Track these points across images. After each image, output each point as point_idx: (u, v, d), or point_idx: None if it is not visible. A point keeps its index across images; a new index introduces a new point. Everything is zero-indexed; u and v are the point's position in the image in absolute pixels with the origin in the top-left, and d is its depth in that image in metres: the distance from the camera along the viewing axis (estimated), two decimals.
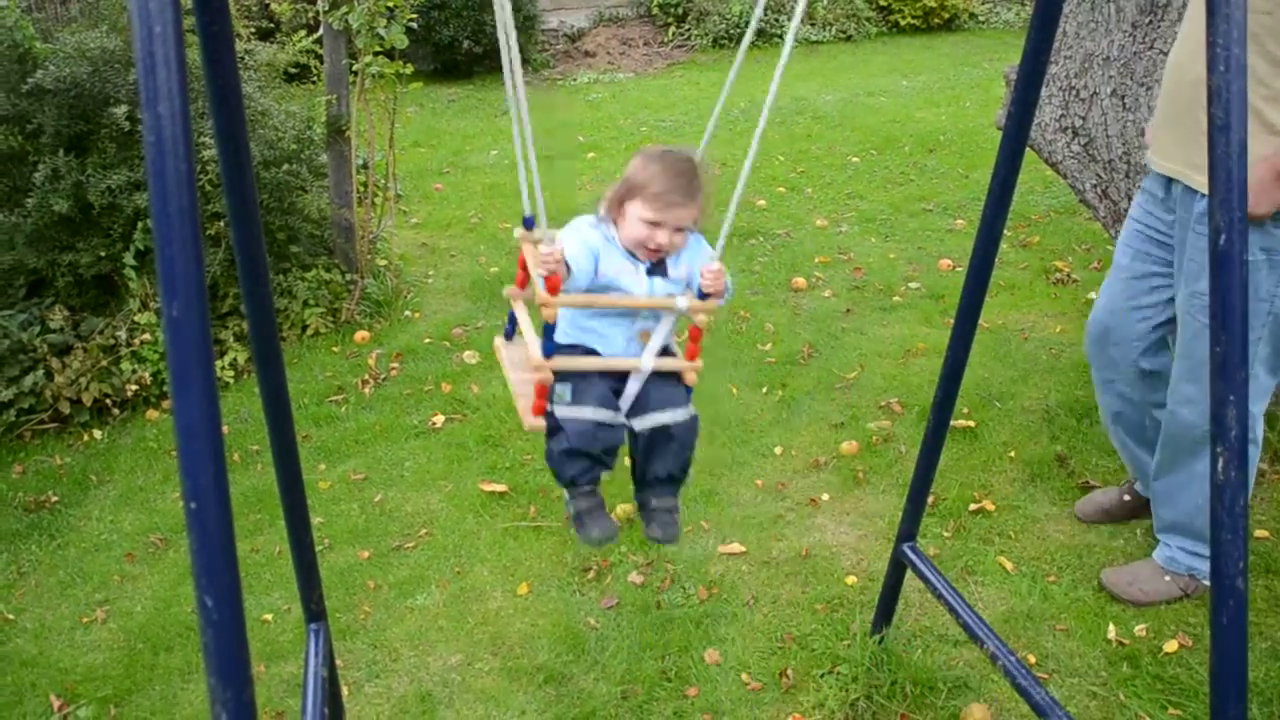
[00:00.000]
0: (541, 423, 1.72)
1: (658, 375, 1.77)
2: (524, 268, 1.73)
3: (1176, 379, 2.51)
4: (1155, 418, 2.68)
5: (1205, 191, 2.09)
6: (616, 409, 1.76)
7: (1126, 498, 2.95)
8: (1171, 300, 2.54)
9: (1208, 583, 2.35)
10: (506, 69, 1.41)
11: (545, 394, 1.69)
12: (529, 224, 1.61)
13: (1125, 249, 2.63)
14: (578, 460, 1.74)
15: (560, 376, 1.71)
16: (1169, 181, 2.45)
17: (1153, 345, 2.63)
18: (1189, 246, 2.39)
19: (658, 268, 1.76)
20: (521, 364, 1.82)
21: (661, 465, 1.82)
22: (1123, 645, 2.50)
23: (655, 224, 1.69)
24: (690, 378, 1.79)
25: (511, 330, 1.89)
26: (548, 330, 1.63)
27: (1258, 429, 2.58)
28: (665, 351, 1.80)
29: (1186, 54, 2.34)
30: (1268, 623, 2.52)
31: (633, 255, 1.75)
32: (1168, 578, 2.64)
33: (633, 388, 1.77)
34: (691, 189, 1.70)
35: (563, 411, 1.72)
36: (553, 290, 1.57)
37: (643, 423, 1.78)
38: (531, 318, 1.73)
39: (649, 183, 1.68)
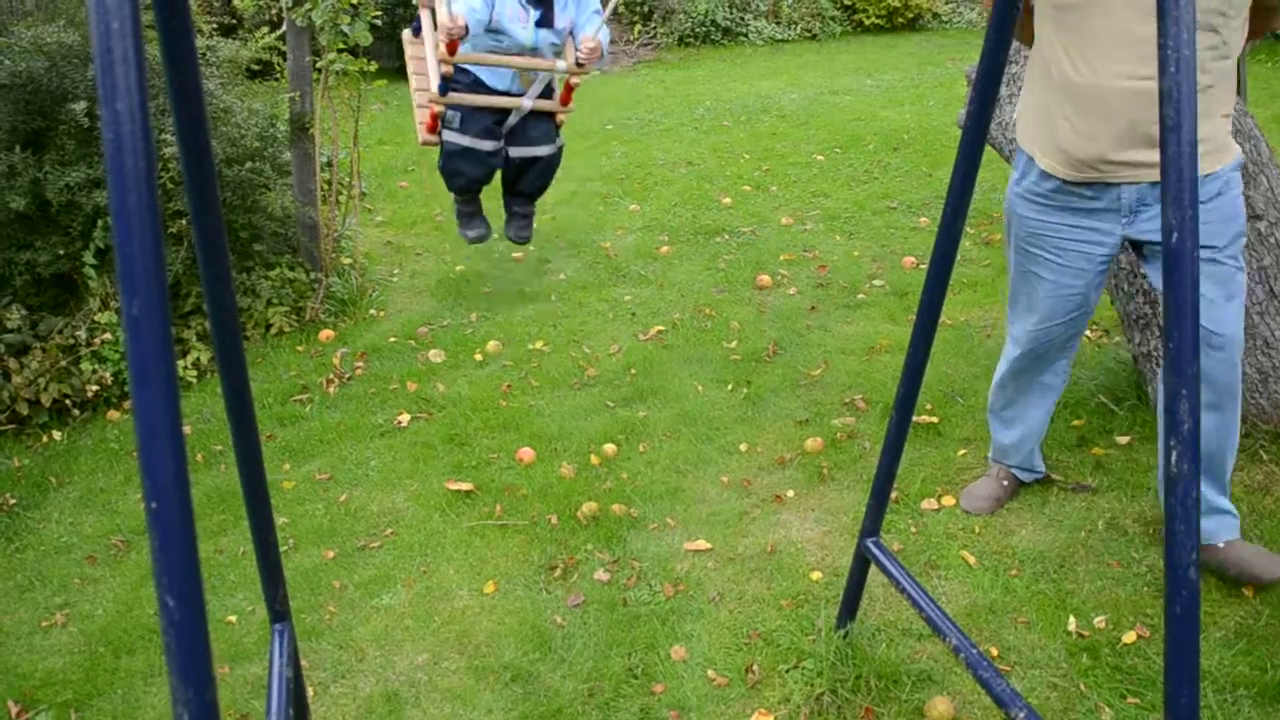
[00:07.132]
0: (434, 139, 2.15)
1: (535, 113, 2.18)
2: None
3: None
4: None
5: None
6: (497, 139, 2.22)
7: (1005, 482, 3.07)
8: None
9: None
10: None
11: (437, 118, 2.07)
12: None
13: (1050, 265, 2.64)
14: (462, 178, 2.17)
15: (452, 104, 2.13)
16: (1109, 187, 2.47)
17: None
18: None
19: (545, 19, 2.09)
20: (422, 73, 2.29)
21: (527, 184, 2.25)
22: (1083, 637, 2.54)
23: None
24: (561, 119, 2.18)
25: (418, 28, 2.32)
26: (445, 80, 1.94)
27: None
28: (546, 89, 2.21)
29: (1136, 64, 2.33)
30: (1222, 612, 2.57)
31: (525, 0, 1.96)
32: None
33: (513, 119, 2.18)
34: None
35: (449, 135, 2.20)
36: (451, 51, 1.91)
37: (517, 151, 2.29)
38: (434, 19, 1.99)
39: None
